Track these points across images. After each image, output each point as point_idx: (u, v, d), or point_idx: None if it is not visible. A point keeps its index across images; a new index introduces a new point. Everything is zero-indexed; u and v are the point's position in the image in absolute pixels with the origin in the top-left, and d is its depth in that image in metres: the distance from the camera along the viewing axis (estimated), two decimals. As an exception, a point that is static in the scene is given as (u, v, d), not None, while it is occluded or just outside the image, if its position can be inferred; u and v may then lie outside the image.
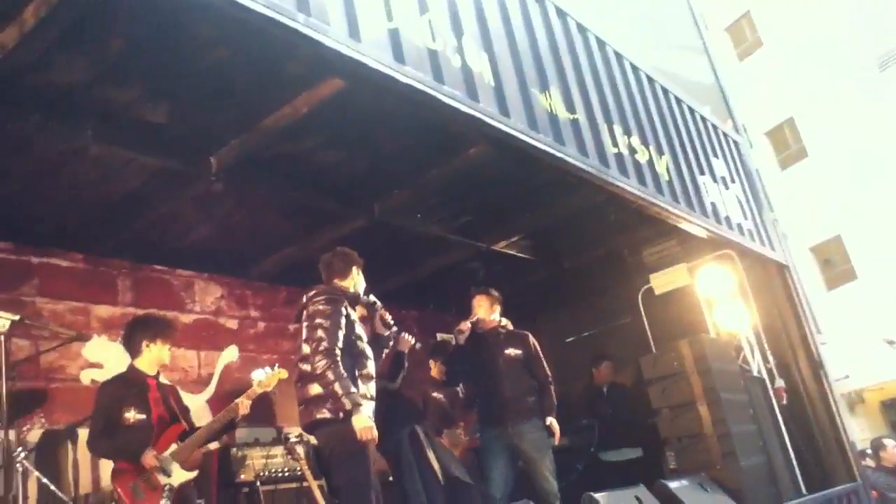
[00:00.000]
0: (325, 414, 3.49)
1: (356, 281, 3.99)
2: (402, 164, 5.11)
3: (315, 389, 3.54)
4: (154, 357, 4.04)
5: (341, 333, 3.59)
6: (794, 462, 6.34)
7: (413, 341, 4.72)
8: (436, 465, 4.43)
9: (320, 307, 3.65)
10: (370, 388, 3.70)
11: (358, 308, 4.01)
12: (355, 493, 3.49)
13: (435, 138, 4.71)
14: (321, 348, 3.50)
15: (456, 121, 4.12)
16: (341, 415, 3.45)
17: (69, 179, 4.52)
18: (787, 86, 17.63)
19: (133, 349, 4.06)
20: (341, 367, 3.50)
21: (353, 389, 3.48)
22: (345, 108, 4.17)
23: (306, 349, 3.61)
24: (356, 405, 3.44)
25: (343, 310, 3.69)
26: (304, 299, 3.79)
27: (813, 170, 17.35)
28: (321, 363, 3.47)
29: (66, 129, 3.96)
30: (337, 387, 3.42)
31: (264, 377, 3.95)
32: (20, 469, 3.08)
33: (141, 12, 3.21)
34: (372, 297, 4.10)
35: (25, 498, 3.25)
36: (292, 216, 5.63)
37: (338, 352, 3.53)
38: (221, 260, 6.15)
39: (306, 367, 3.59)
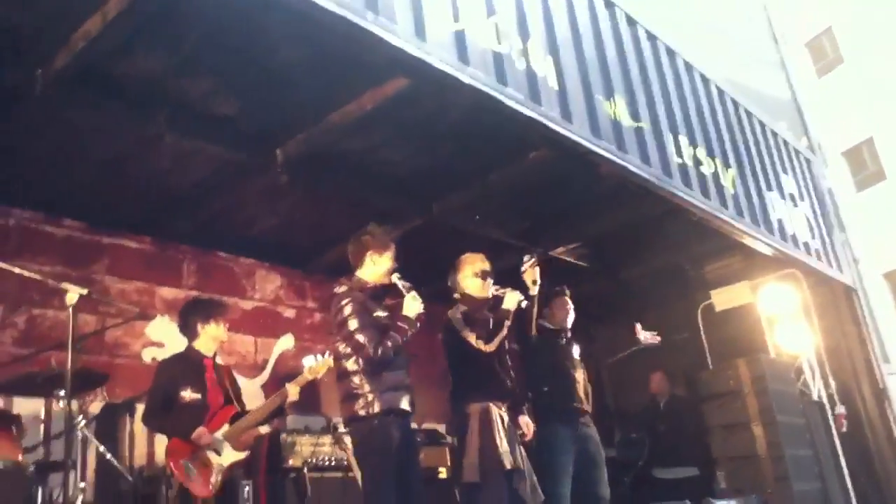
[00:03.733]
0: (358, 411, 3.51)
1: (375, 268, 3.75)
2: (462, 165, 5.15)
3: (351, 387, 3.56)
4: (209, 338, 4.15)
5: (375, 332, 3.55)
6: (851, 491, 6.12)
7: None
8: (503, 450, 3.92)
9: (342, 311, 3.60)
10: (404, 379, 3.68)
11: (410, 302, 3.71)
12: (372, 492, 3.52)
13: (496, 141, 4.72)
14: (351, 350, 3.55)
15: (517, 123, 4.13)
16: (370, 412, 3.48)
17: (142, 166, 4.71)
18: (867, 104, 17.02)
19: (189, 331, 4.19)
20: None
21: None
22: (408, 107, 4.23)
23: (343, 349, 3.61)
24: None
25: (362, 308, 3.60)
26: (331, 304, 3.75)
27: (891, 193, 16.70)
28: (353, 366, 3.54)
29: (142, 118, 4.13)
30: (371, 347, 3.46)
31: (314, 364, 4.02)
32: (80, 437, 3.22)
33: (216, 8, 3.33)
34: (396, 279, 3.75)
35: (84, 464, 3.39)
36: (353, 212, 5.71)
37: (377, 353, 3.50)
38: (283, 251, 6.30)
39: (345, 365, 3.61)
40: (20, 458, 3.37)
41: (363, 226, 5.85)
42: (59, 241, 5.17)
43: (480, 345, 4.05)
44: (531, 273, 4.37)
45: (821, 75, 18.48)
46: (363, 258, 3.78)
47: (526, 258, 4.51)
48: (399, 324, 3.61)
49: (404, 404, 3.61)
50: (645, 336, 4.94)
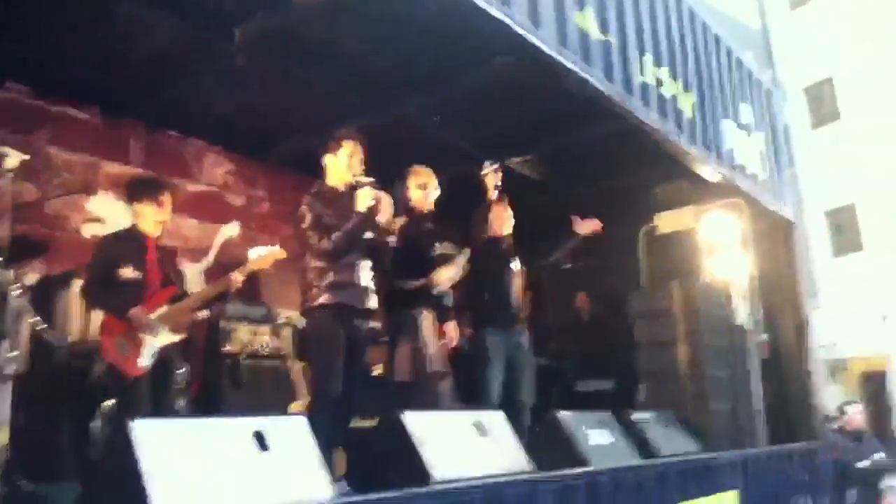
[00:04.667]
0: (304, 303, 3.77)
1: (334, 170, 3.92)
2: (427, 66, 5.05)
3: (304, 281, 3.75)
4: (151, 218, 4.08)
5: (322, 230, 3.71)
6: (763, 415, 6.48)
7: None
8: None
9: (300, 213, 3.79)
10: (360, 277, 3.83)
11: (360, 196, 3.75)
12: (314, 380, 3.69)
13: (462, 45, 4.63)
14: (317, 249, 3.72)
15: (484, 27, 4.03)
16: (312, 304, 3.70)
17: (96, 34, 4.49)
18: (832, 43, 17.08)
19: (131, 209, 4.12)
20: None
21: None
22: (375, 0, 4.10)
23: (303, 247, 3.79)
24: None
25: (315, 214, 3.76)
26: None
27: (843, 134, 17.01)
28: (313, 261, 3.74)
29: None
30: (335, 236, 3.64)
31: (262, 254, 4.02)
32: (14, 305, 3.19)
33: None
34: (359, 182, 3.78)
35: (17, 333, 3.37)
36: (312, 102, 5.60)
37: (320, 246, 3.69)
38: (236, 136, 6.16)
39: (305, 262, 3.79)
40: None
41: (320, 119, 5.77)
42: (1, 103, 4.95)
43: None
44: (492, 178, 4.42)
45: (794, 7, 18.38)
46: (323, 164, 3.91)
47: (487, 163, 4.54)
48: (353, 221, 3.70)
49: (347, 299, 3.69)
50: (585, 227, 5.01)
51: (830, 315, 13.63)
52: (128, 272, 3.90)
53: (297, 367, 4.58)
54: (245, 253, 4.14)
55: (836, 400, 9.46)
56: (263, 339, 5.17)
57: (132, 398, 3.73)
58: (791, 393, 6.90)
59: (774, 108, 7.90)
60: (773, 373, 6.86)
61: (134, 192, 4.13)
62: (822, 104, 17.90)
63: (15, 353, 3.17)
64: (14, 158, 3.16)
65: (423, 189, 4.38)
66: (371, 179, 3.80)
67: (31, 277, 4.13)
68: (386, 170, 4.15)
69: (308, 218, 3.74)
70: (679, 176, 6.87)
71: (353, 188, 3.83)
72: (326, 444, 3.00)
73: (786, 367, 6.96)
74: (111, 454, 3.55)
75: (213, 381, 4.95)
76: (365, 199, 3.72)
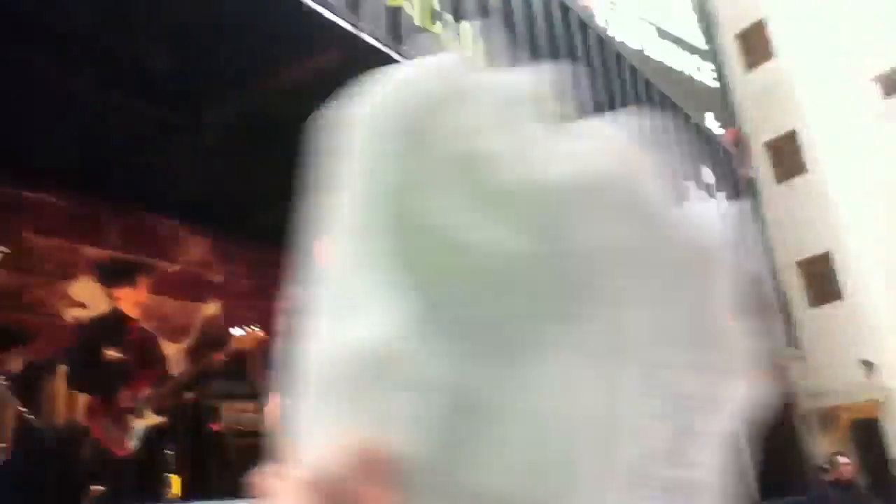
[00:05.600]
0: None
1: None
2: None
3: None
4: (129, 301, 4.14)
5: None
6: (754, 472, 6.49)
7: None
8: None
9: None
10: None
11: None
12: None
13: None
14: None
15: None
16: None
17: (69, 121, 4.60)
18: (795, 99, 17.69)
19: (107, 294, 4.18)
20: None
21: None
22: (343, 79, 4.24)
23: None
24: None
25: None
26: None
27: (809, 186, 17.43)
28: None
29: (69, 72, 4.04)
30: None
31: (243, 335, 4.08)
32: (-1, 395, 3.20)
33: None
34: None
35: (3, 424, 3.37)
36: (285, 177, 5.68)
37: None
38: (210, 213, 6.16)
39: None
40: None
41: (296, 189, 5.84)
42: (-21, 194, 5.03)
43: None
44: None
45: (750, 69, 19.03)
46: None
47: None
48: None
49: None
50: None
51: (815, 365, 13.73)
52: (111, 354, 3.93)
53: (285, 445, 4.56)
54: (226, 330, 4.18)
55: (828, 450, 9.45)
56: (249, 415, 5.16)
57: (120, 482, 3.72)
58: (780, 446, 6.93)
59: (736, 167, 8.16)
60: (760, 428, 6.89)
61: (111, 276, 4.19)
62: (785, 157, 18.37)
63: (1, 444, 3.16)
64: (-7, 251, 3.22)
65: None
66: None
67: (15, 365, 4.13)
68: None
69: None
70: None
71: None
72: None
73: (773, 422, 7.00)
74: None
75: (201, 462, 4.92)
76: None
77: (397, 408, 0.47)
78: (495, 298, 0.50)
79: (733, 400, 0.60)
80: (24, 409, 3.47)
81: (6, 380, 3.35)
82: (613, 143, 0.56)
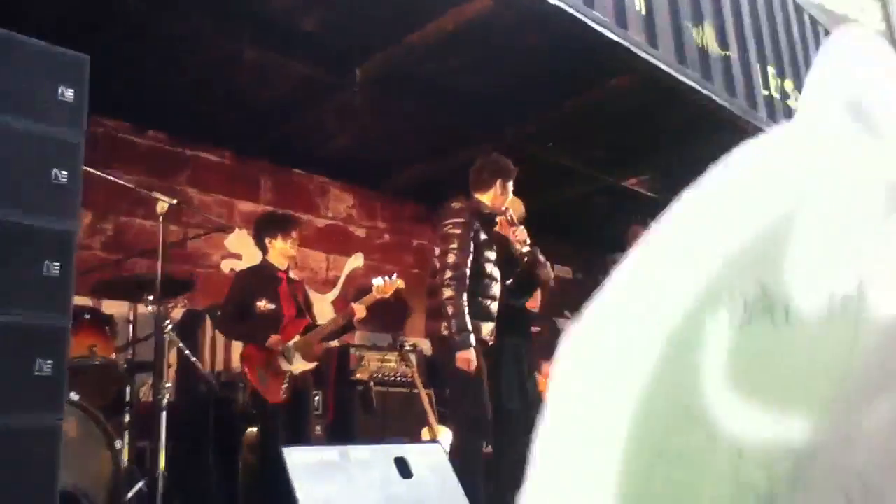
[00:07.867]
0: (443, 332, 3.57)
1: (498, 195, 3.87)
2: (540, 91, 5.06)
3: (438, 304, 3.62)
4: (279, 253, 4.26)
5: (470, 259, 3.62)
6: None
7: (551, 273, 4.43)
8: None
9: (450, 230, 3.67)
10: (492, 308, 3.78)
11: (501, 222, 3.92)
12: (463, 406, 3.64)
13: (576, 66, 4.62)
14: (447, 277, 3.56)
15: (602, 48, 4.03)
16: (451, 333, 3.53)
17: (224, 81, 4.78)
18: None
19: (260, 246, 4.33)
20: (463, 299, 3.54)
21: (467, 327, 3.49)
22: (489, 29, 4.16)
23: (437, 265, 3.69)
24: (464, 345, 3.49)
25: (471, 234, 3.66)
26: (441, 216, 3.85)
27: None
28: (447, 291, 3.54)
29: (226, 32, 4.17)
30: (452, 323, 3.49)
31: (382, 284, 4.12)
32: (167, 339, 3.40)
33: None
34: (511, 213, 3.96)
35: (169, 365, 3.59)
36: (426, 134, 5.72)
37: (465, 279, 3.57)
38: (355, 170, 6.37)
39: (435, 282, 3.68)
40: (114, 356, 3.59)
41: (434, 149, 5.87)
42: (144, 150, 5.34)
43: None
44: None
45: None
46: (493, 183, 3.87)
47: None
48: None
49: (484, 333, 3.69)
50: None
51: None
52: (262, 304, 4.09)
53: (424, 394, 4.64)
54: (369, 282, 4.25)
55: None
56: (391, 365, 5.29)
57: (273, 425, 3.90)
58: None
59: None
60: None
61: (265, 228, 4.33)
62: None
63: (168, 384, 3.37)
64: (164, 203, 3.39)
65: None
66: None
67: (177, 312, 4.39)
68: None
69: (458, 241, 3.63)
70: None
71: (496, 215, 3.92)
72: (474, 470, 3.01)
73: None
74: (263, 480, 3.72)
75: (346, 408, 5.10)
76: (524, 235, 3.82)
77: None
78: None
79: None
80: (189, 355, 3.67)
81: (172, 326, 3.54)
82: None
